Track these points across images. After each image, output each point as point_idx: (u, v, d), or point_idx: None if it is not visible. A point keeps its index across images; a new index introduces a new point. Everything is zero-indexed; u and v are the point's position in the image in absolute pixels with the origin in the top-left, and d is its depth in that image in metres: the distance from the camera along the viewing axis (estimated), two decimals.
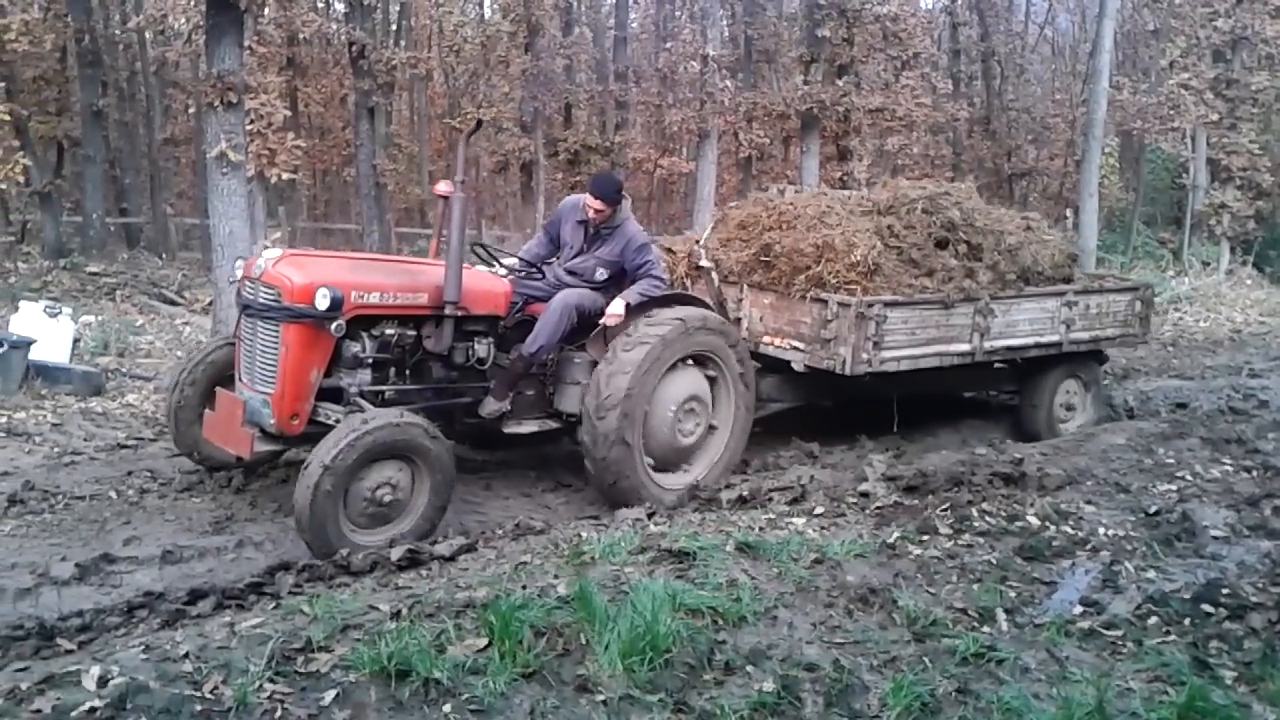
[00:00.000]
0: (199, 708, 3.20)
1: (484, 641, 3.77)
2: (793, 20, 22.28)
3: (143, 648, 3.74)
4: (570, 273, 7.08)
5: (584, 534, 5.33)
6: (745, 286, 8.26)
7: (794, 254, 7.88)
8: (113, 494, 6.37)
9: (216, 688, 3.33)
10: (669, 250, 8.98)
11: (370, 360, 6.12)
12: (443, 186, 6.41)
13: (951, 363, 8.19)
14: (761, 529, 5.30)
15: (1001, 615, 4.41)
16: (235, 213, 10.23)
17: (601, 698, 3.55)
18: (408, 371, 6.40)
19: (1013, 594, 4.63)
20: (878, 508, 5.88)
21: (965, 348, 8.18)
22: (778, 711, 3.57)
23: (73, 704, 3.15)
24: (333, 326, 5.78)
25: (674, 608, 4.06)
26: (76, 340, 10.10)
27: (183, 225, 23.33)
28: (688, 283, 8.64)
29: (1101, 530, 5.45)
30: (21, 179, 14.50)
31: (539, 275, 7.13)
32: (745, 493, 6.35)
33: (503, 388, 6.66)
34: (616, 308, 6.76)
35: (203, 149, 13.18)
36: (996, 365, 9.06)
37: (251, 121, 12.97)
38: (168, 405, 6.82)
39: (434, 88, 28.97)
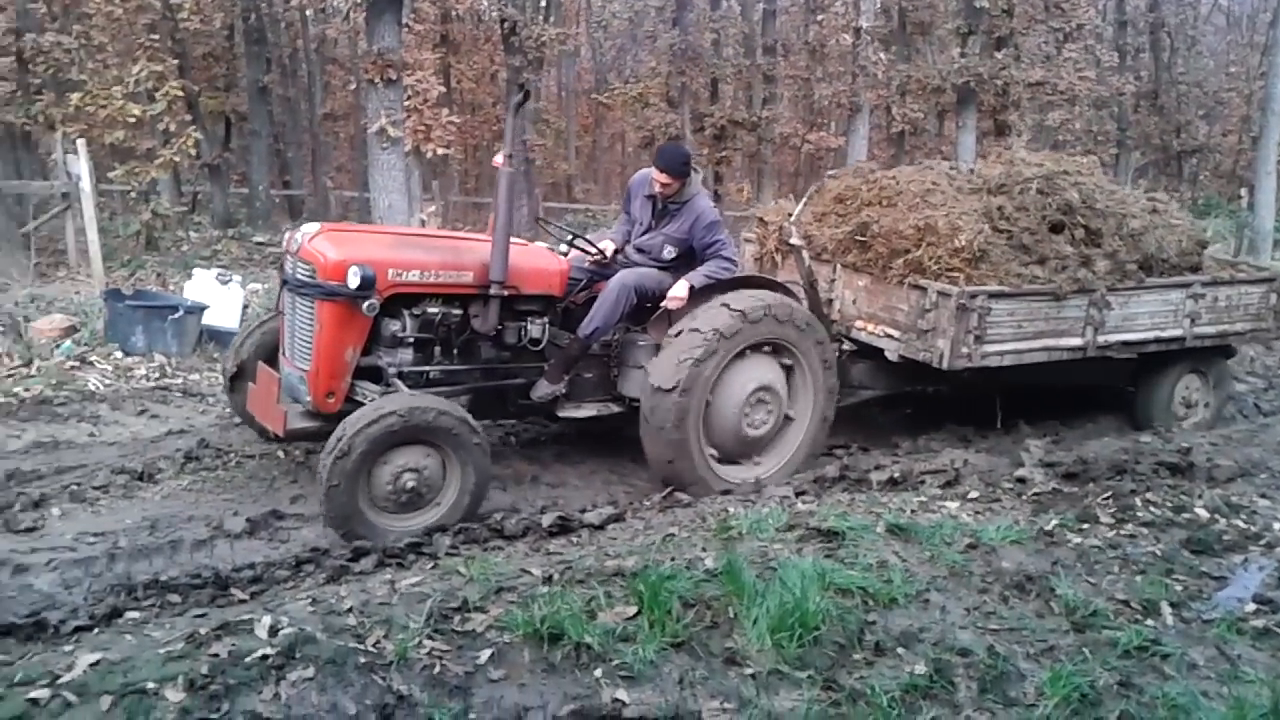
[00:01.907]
0: (362, 660, 3.33)
1: (633, 610, 3.82)
2: None
3: (310, 600, 3.93)
4: (639, 250, 6.74)
5: (731, 509, 5.33)
6: (839, 266, 7.69)
7: (892, 235, 7.25)
8: (280, 453, 6.64)
9: (379, 641, 3.46)
10: (761, 221, 8.55)
11: (411, 339, 5.90)
12: (499, 159, 6.13)
13: (1060, 358, 7.49)
14: (913, 511, 5.20)
15: (1167, 609, 4.24)
16: (394, 186, 10.55)
17: (750, 671, 3.56)
18: (455, 351, 6.13)
19: (1179, 587, 4.45)
20: (1035, 494, 5.70)
21: (1076, 342, 7.44)
22: (930, 695, 3.51)
23: (246, 650, 3.32)
24: (364, 305, 5.57)
25: (823, 586, 4.03)
26: (245, 306, 10.58)
27: (342, 198, 24.19)
28: (778, 258, 8.22)
29: (1277, 525, 5.18)
30: (193, 153, 15.21)
31: (599, 254, 6.77)
32: (896, 474, 6.22)
33: (557, 370, 6.36)
34: (679, 290, 6.37)
35: (362, 124, 13.63)
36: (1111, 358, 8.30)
37: (408, 98, 13.32)
38: (223, 369, 6.81)
39: (581, 63, 29.26)
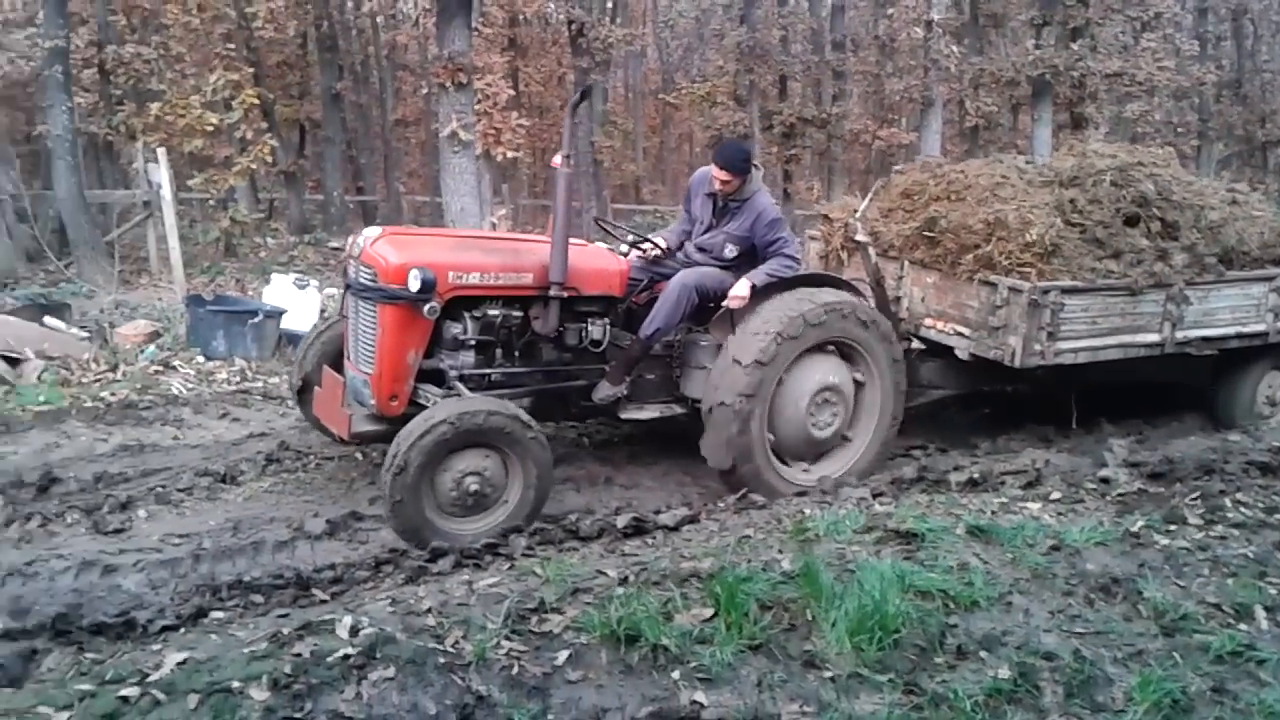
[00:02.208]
0: (442, 660, 3.36)
1: (710, 612, 3.81)
2: None
3: (389, 601, 3.97)
4: (700, 249, 6.65)
5: (807, 510, 5.28)
6: (906, 263, 7.51)
7: (961, 230, 7.07)
8: (359, 455, 6.74)
9: (457, 642, 3.48)
10: (826, 218, 8.38)
11: (473, 342, 5.89)
12: (557, 160, 5.99)
13: (1137, 354, 7.28)
14: (994, 513, 5.11)
15: (1261, 613, 4.12)
16: (466, 190, 10.65)
17: (829, 674, 3.52)
18: (516, 353, 6.11)
19: (1273, 591, 4.31)
20: (1119, 494, 5.57)
21: (1154, 338, 7.22)
22: (1014, 699, 3.45)
23: (328, 650, 3.36)
24: (425, 309, 5.57)
25: (902, 588, 3.98)
26: (322, 310, 10.76)
27: (414, 202, 24.49)
28: (844, 256, 8.03)
29: None
30: (269, 160, 15.51)
31: (661, 253, 6.69)
32: (976, 475, 6.11)
33: (619, 371, 6.29)
34: (740, 289, 6.24)
35: (433, 129, 13.79)
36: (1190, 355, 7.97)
37: (478, 101, 13.44)
38: (290, 380, 6.89)
39: (648, 64, 29.29)
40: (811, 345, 6.30)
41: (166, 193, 12.48)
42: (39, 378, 8.54)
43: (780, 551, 4.46)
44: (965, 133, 22.76)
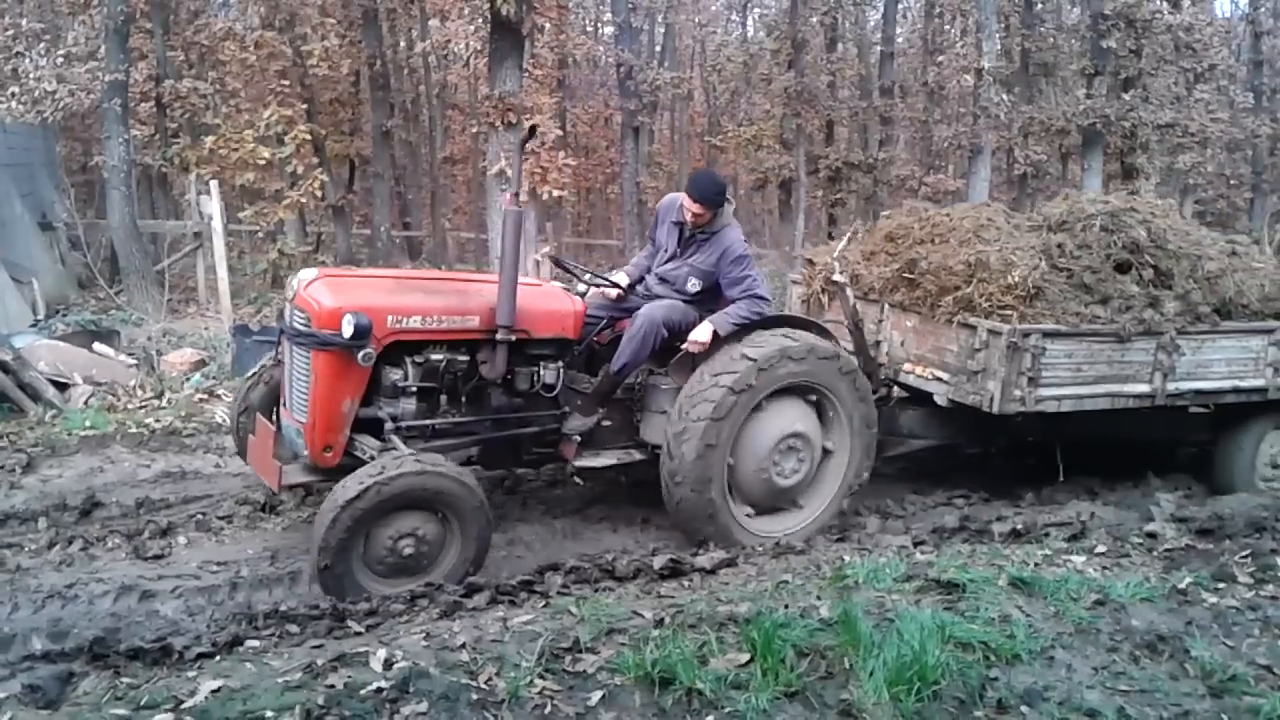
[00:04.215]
0: (475, 696, 3.34)
1: (745, 656, 3.76)
2: (1073, 31, 21.19)
3: (424, 635, 3.97)
4: (661, 279, 6.33)
5: (847, 557, 5.22)
6: (887, 306, 7.29)
7: (942, 271, 6.87)
8: None
9: (490, 679, 3.46)
10: (810, 261, 8.13)
11: (415, 389, 5.56)
12: (508, 198, 5.71)
13: (1126, 405, 6.93)
14: (1037, 565, 5.02)
15: None
16: None
17: None
18: (463, 400, 5.80)
19: None
20: (1166, 550, 5.46)
21: (1144, 389, 6.88)
22: None
23: (362, 683, 3.35)
24: (360, 356, 5.25)
25: (942, 639, 3.91)
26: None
27: (459, 239, 24.71)
28: (825, 299, 7.77)
29: None
30: (319, 194, 15.73)
31: (621, 292, 6.44)
32: (1019, 526, 6.03)
33: (590, 403, 6.06)
34: (701, 334, 5.95)
35: (480, 167, 13.91)
36: (1190, 410, 7.65)
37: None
38: (231, 424, 6.55)
39: (694, 107, 29.47)
40: (768, 393, 5.98)
41: (217, 224, 12.70)
42: (86, 403, 8.67)
43: (819, 598, 4.41)
44: (1013, 180, 22.65)
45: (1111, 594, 4.57)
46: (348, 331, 5.18)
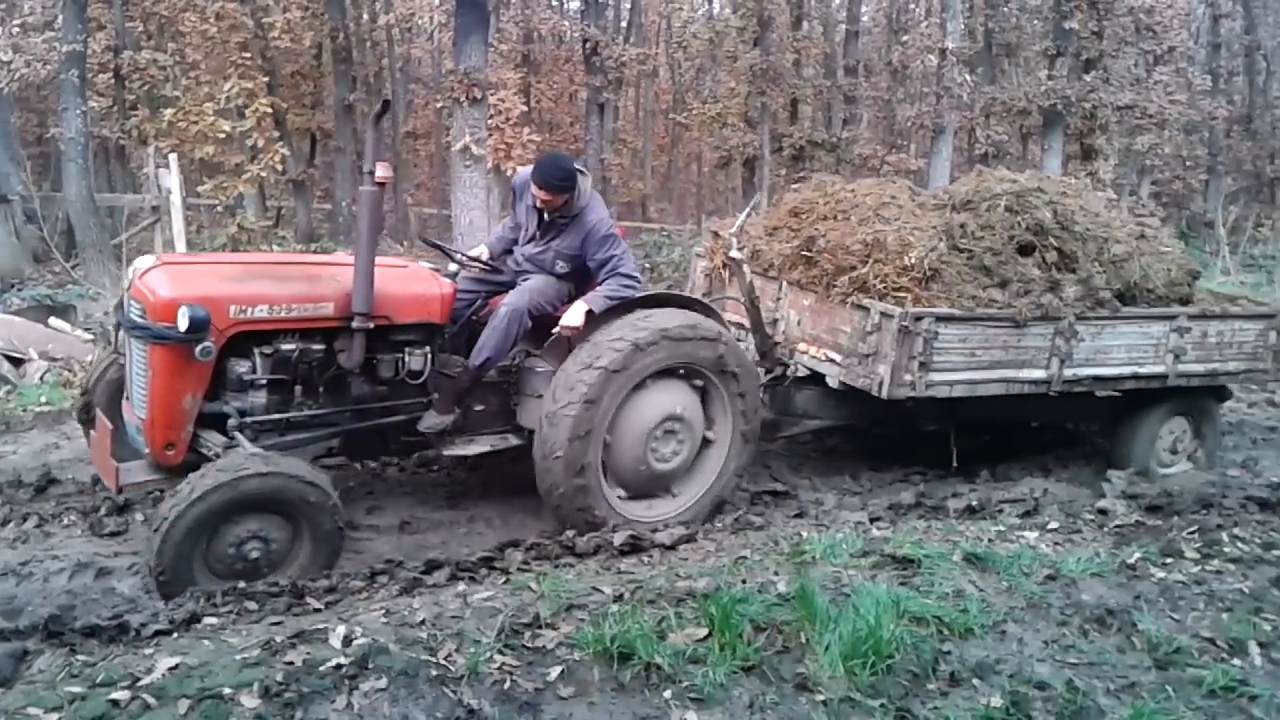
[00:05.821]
0: (434, 672, 3.35)
1: (704, 631, 3.80)
2: (1036, 13, 21.35)
3: (383, 612, 3.98)
4: (529, 260, 6.04)
5: (804, 533, 5.27)
6: (785, 284, 7.08)
7: (839, 250, 6.65)
8: (357, 465, 6.72)
9: (450, 655, 3.48)
10: (715, 234, 7.84)
11: (264, 382, 5.20)
12: (380, 173, 5.31)
13: (1022, 391, 6.77)
14: (990, 540, 5.09)
15: (1255, 649, 4.12)
16: (475, 203, 10.69)
17: (821, 698, 3.51)
18: (320, 391, 5.45)
19: (1268, 627, 4.30)
20: (1117, 526, 5.56)
21: (1040, 375, 6.72)
22: None
23: (320, 659, 3.36)
24: (198, 350, 4.86)
25: (897, 614, 3.97)
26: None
27: (422, 215, 24.53)
28: (726, 274, 7.53)
29: None
30: (279, 168, 15.56)
31: (489, 268, 6.21)
32: (974, 502, 6.11)
33: (447, 400, 5.70)
34: (573, 317, 5.68)
35: (444, 142, 13.84)
36: (1095, 394, 7.44)
37: (491, 116, 13.49)
38: (76, 411, 6.18)
39: (660, 83, 29.42)
40: (647, 375, 5.76)
41: (176, 198, 12.51)
42: (41, 378, 8.57)
43: (776, 573, 4.45)
44: (974, 160, 22.82)
45: (1062, 569, 4.66)
46: (183, 325, 4.81)
